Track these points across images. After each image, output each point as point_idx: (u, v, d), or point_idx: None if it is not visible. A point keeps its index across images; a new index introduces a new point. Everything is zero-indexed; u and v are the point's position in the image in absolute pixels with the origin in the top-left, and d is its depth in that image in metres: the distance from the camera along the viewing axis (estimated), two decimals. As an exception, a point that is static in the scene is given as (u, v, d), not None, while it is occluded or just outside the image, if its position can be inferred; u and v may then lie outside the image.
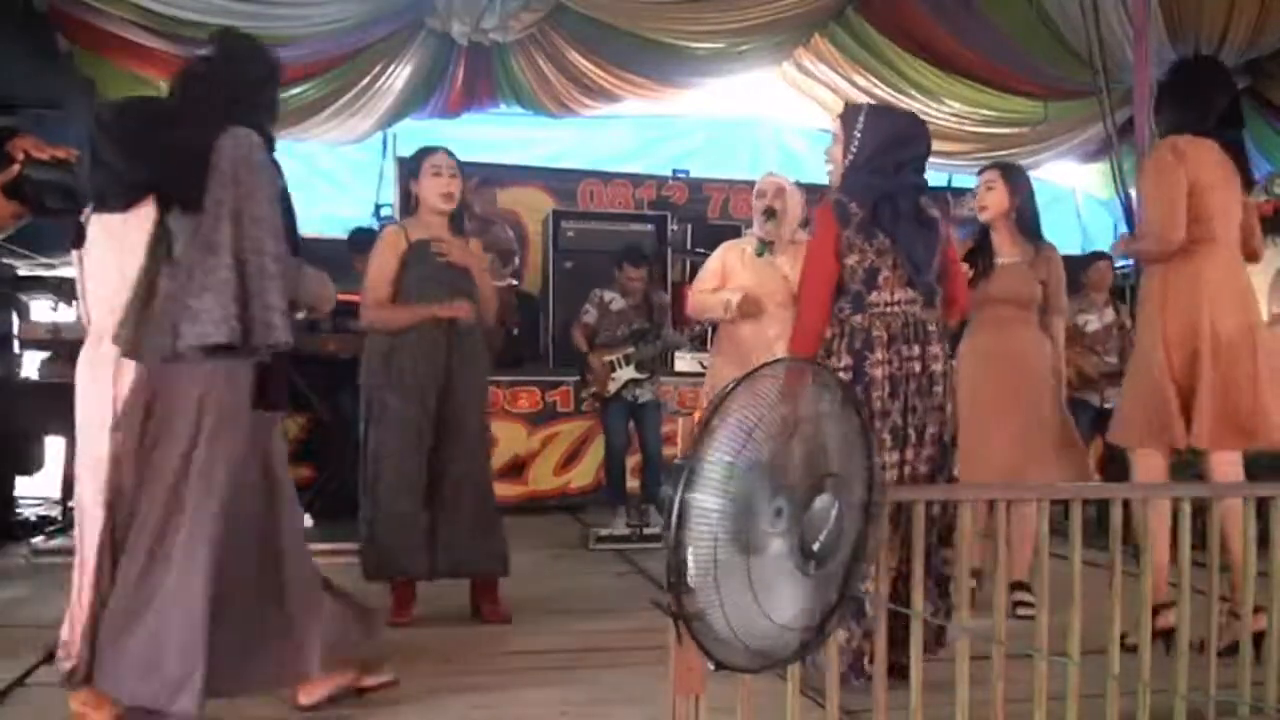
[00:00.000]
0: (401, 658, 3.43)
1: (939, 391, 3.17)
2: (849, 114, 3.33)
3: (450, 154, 3.92)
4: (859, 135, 3.24)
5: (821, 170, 3.52)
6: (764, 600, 1.83)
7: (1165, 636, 2.94)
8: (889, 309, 3.17)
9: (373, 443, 3.89)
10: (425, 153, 3.93)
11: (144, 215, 2.78)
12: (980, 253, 4.19)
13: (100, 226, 2.83)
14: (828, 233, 3.19)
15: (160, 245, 2.74)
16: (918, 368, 3.15)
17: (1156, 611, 2.97)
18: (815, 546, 1.82)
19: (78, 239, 2.83)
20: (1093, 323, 6.14)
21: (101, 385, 2.76)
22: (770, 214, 4.25)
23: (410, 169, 3.99)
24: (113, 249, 2.81)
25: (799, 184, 4.46)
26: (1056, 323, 4.25)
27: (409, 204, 4.03)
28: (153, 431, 2.70)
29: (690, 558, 1.77)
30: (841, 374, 3.10)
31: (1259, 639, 2.73)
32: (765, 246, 4.29)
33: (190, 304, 2.61)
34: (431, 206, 3.88)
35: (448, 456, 3.86)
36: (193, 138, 2.73)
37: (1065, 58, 6.87)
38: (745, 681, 2.29)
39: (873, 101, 5.13)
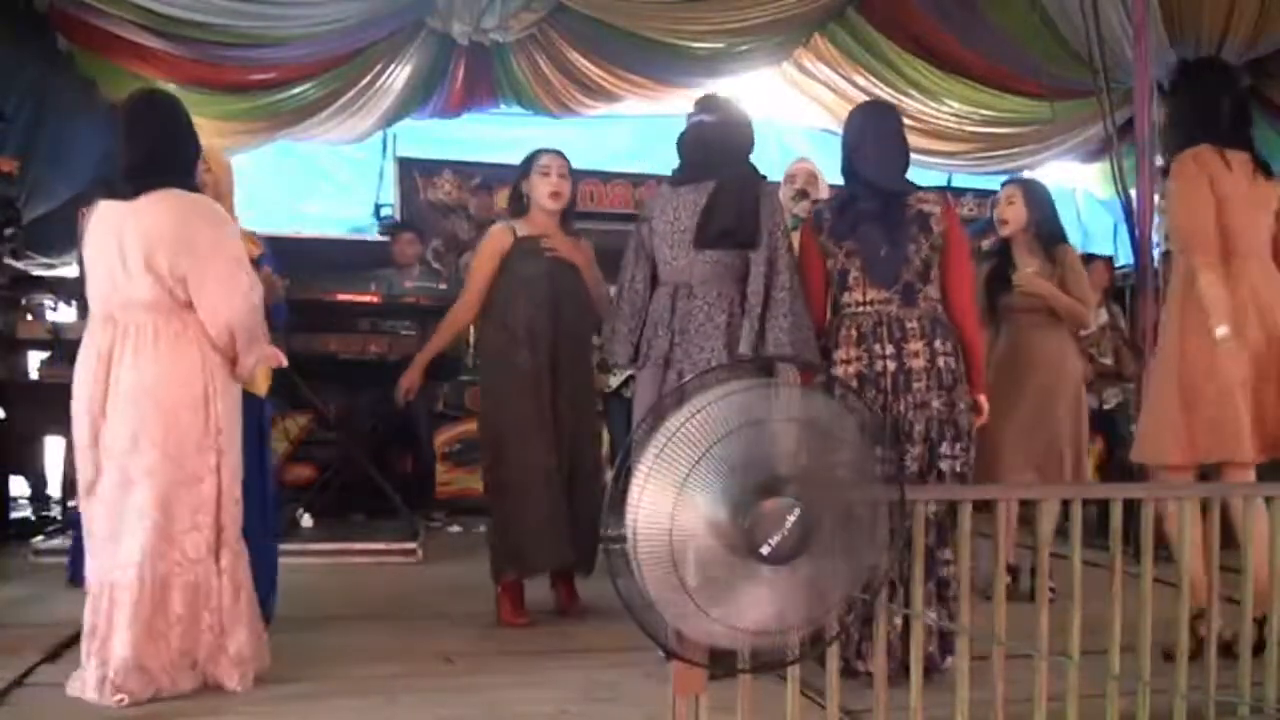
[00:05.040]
0: (402, 656, 3.44)
1: (919, 388, 3.13)
2: None
3: (561, 155, 4.01)
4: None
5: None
6: (703, 601, 1.84)
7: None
8: (860, 309, 3.22)
9: (496, 438, 3.92)
10: (536, 154, 4.03)
11: (156, 201, 2.95)
12: (1001, 267, 4.38)
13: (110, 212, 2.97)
14: (808, 240, 3.38)
15: None
16: (892, 365, 3.14)
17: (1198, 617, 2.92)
18: (765, 550, 1.80)
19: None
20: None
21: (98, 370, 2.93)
22: (803, 195, 4.45)
23: (521, 169, 4.06)
24: (112, 235, 2.95)
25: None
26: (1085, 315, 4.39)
27: (520, 203, 4.04)
28: None
29: (637, 558, 1.86)
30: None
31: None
32: (799, 221, 4.43)
33: None
34: (540, 205, 3.99)
35: (566, 458, 3.92)
36: None
37: (1065, 58, 6.85)
38: (745, 681, 2.29)
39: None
